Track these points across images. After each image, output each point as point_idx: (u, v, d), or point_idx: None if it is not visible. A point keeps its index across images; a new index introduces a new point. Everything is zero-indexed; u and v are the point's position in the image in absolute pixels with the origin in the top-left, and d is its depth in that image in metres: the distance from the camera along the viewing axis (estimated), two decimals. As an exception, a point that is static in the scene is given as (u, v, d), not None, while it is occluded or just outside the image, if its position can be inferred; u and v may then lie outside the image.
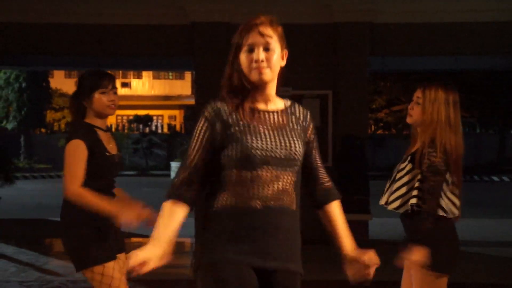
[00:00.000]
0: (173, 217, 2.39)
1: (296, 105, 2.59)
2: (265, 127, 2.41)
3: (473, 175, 24.17)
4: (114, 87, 3.60)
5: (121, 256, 3.66)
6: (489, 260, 8.03)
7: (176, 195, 2.41)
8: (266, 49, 2.40)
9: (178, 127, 36.53)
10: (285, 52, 2.50)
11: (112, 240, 3.58)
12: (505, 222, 11.49)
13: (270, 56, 2.39)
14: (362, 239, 9.25)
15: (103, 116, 3.60)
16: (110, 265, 3.51)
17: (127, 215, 3.34)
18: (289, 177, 2.41)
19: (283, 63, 2.49)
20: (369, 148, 7.28)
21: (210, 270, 2.38)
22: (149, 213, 3.33)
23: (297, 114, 2.54)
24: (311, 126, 2.60)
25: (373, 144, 27.47)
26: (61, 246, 9.25)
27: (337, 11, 8.75)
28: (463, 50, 9.17)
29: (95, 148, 3.48)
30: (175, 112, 40.76)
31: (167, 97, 39.58)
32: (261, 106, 2.47)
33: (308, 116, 2.60)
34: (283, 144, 2.40)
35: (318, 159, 2.64)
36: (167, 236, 2.37)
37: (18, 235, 9.72)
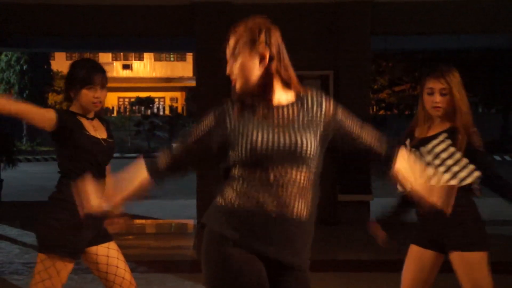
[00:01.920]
0: (136, 180, 2.42)
1: (310, 93, 2.39)
2: (270, 123, 2.28)
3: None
4: (104, 82, 3.52)
5: (110, 244, 3.59)
6: (491, 238, 8.04)
7: (156, 177, 2.42)
8: (232, 58, 2.40)
9: (179, 109, 36.47)
10: (265, 51, 2.32)
11: (84, 236, 3.45)
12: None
13: (234, 66, 2.37)
14: (363, 219, 9.26)
15: (86, 111, 3.53)
16: (66, 260, 3.38)
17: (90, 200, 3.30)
18: (301, 176, 2.27)
19: (260, 68, 2.32)
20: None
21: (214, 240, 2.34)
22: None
23: (309, 103, 2.35)
24: (330, 108, 2.38)
25: (375, 124, 27.22)
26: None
27: (338, -10, 8.70)
28: (466, 28, 9.13)
29: (70, 132, 3.41)
30: (177, 94, 40.70)
31: (168, 79, 39.50)
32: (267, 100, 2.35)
33: (324, 101, 2.38)
34: (287, 141, 2.25)
35: (356, 131, 2.42)
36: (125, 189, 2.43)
37: (21, 217, 9.75)
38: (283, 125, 2.29)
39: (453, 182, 3.37)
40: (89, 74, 3.46)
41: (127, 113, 32.61)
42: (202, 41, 8.96)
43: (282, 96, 2.35)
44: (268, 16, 8.96)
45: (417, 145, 3.46)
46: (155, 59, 39.98)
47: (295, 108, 2.33)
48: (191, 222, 9.28)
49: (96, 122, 3.59)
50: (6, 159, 10.95)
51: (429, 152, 3.42)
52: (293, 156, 2.25)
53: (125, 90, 36.67)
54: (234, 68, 2.34)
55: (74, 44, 11.48)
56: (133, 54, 38.22)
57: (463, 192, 3.30)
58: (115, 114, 34.76)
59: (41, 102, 30.32)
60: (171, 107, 36.49)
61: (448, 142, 3.40)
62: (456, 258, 3.37)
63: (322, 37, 8.92)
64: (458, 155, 3.39)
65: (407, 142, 3.52)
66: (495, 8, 8.86)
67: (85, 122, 3.50)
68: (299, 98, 2.36)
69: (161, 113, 35.19)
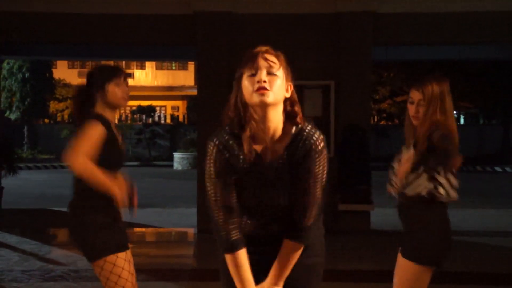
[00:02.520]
0: (241, 268, 2.45)
1: (305, 134, 2.41)
2: (256, 178, 2.41)
3: (476, 166, 24.11)
4: (126, 80, 3.66)
5: (127, 255, 3.61)
6: (492, 250, 8.03)
7: (232, 249, 2.44)
8: (270, 73, 2.34)
9: (181, 118, 36.51)
10: (290, 85, 2.42)
11: (123, 230, 3.60)
12: (509, 212, 11.46)
13: (273, 80, 2.33)
14: (364, 229, 9.23)
15: (115, 107, 3.64)
16: (122, 255, 3.49)
17: (122, 195, 3.43)
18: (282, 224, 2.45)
19: (288, 94, 2.40)
20: (372, 139, 7.27)
21: None
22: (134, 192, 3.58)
23: (299, 147, 2.40)
24: (311, 153, 2.39)
25: (376, 134, 27.42)
26: (63, 235, 9.30)
27: (340, 0, 8.71)
28: (467, 39, 9.14)
29: (109, 140, 3.49)
30: (178, 103, 40.76)
31: (170, 88, 39.57)
32: (262, 143, 2.40)
33: (311, 146, 2.40)
34: (269, 199, 2.42)
35: (309, 183, 2.42)
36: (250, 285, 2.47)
37: (21, 225, 9.74)
38: (268, 180, 2.40)
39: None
40: (113, 72, 3.59)
41: (128, 122, 32.61)
42: (203, 50, 8.99)
43: (283, 135, 2.42)
44: (270, 26, 9.12)
45: None
46: (157, 68, 40.08)
47: (287, 151, 2.40)
48: (191, 231, 9.25)
49: (116, 128, 3.70)
50: (7, 166, 10.94)
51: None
52: (271, 211, 2.43)
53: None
54: (273, 80, 2.34)
55: (76, 52, 11.51)
56: (135, 62, 38.26)
57: (418, 204, 3.44)
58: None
59: (43, 110, 30.38)
60: (172, 116, 36.51)
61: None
62: (401, 262, 3.53)
63: (324, 47, 8.94)
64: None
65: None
66: (496, 19, 8.88)
67: (114, 128, 3.60)
68: (293, 140, 2.40)
69: (162, 121, 35.21)
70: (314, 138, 2.40)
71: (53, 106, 34.11)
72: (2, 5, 8.99)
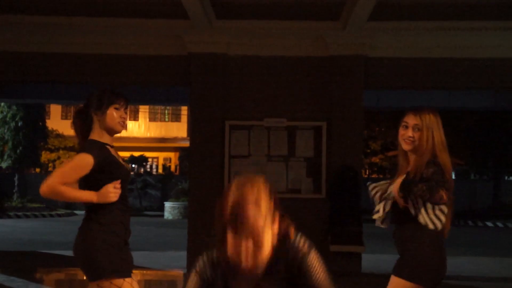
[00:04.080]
0: None
1: (295, 242, 2.24)
2: None
3: (468, 221, 24.12)
4: (126, 107, 3.63)
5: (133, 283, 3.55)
6: None
7: None
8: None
9: (173, 168, 36.47)
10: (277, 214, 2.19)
11: (131, 256, 3.56)
12: (504, 260, 11.43)
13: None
14: (355, 272, 9.10)
15: (112, 132, 3.60)
16: (129, 280, 3.40)
17: (102, 192, 3.41)
18: None
19: (275, 229, 2.18)
20: (363, 192, 7.32)
21: None
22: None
23: (290, 255, 2.23)
24: (302, 265, 2.23)
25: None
26: (51, 275, 9.13)
27: (332, 44, 8.89)
28: (457, 85, 9.28)
29: (108, 166, 3.48)
30: (171, 154, 40.75)
31: (163, 139, 39.64)
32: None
33: (298, 257, 2.23)
34: None
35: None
36: None
37: (8, 266, 9.60)
38: None
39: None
40: (114, 95, 3.56)
41: (120, 172, 32.50)
42: (196, 88, 9.08)
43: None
44: (262, 68, 9.26)
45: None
46: (150, 120, 40.26)
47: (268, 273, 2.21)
48: (180, 273, 9.14)
49: (116, 151, 3.68)
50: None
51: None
52: None
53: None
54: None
55: (70, 95, 11.57)
56: (128, 114, 38.42)
57: (411, 224, 3.48)
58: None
59: (35, 159, 30.30)
60: (164, 166, 36.47)
61: None
62: (393, 281, 3.53)
63: (317, 89, 9.05)
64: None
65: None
66: (487, 66, 9.05)
67: (113, 152, 3.58)
68: (273, 260, 2.20)
69: (154, 171, 35.12)
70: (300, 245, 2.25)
71: (45, 156, 34.04)
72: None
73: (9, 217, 23.17)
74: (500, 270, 10.10)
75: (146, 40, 9.13)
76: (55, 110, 38.93)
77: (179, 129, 39.57)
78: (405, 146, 3.58)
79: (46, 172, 32.55)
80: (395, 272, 3.53)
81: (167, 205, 25.42)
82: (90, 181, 3.47)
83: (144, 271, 9.44)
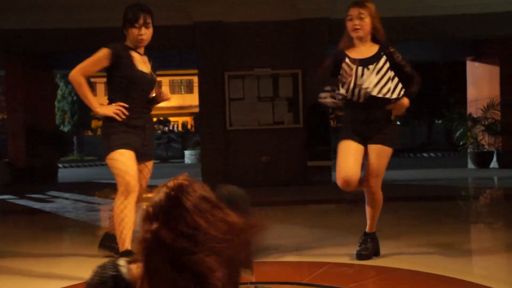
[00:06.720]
0: None
1: None
2: None
3: (409, 154, 24.26)
4: (147, 22, 3.17)
5: (149, 163, 3.32)
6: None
7: None
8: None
9: (189, 127, 36.41)
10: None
11: (135, 139, 3.16)
12: (427, 171, 11.45)
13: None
14: (326, 181, 8.99)
15: (136, 47, 3.22)
16: (120, 150, 3.09)
17: (105, 109, 3.13)
18: None
19: None
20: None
21: None
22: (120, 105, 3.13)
23: None
24: None
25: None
26: (100, 187, 9.22)
27: (303, 9, 8.71)
28: (399, 39, 9.05)
29: (122, 60, 3.11)
30: (187, 119, 40.51)
31: (180, 107, 39.35)
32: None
33: None
34: None
35: None
36: None
37: (73, 189, 9.62)
38: None
39: (393, 95, 3.27)
40: (134, 16, 3.17)
41: (150, 131, 32.41)
42: (202, 50, 8.89)
43: None
44: (251, 31, 8.89)
45: (363, 64, 3.20)
46: (170, 92, 39.83)
47: None
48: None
49: (144, 58, 3.29)
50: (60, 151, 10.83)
51: (376, 70, 3.20)
52: None
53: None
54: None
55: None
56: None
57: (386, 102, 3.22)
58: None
59: (87, 125, 30.24)
60: (183, 125, 36.36)
61: (387, 64, 3.26)
62: (374, 148, 3.25)
63: (293, 45, 8.87)
64: (392, 74, 3.27)
65: (348, 60, 3.19)
66: (424, 21, 8.82)
67: (135, 56, 3.20)
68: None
69: (176, 130, 34.96)
70: None
71: (94, 123, 33.78)
72: (48, 23, 8.86)
73: (72, 167, 23.11)
74: (426, 176, 10.13)
75: (159, 15, 8.82)
76: (99, 88, 38.49)
77: (192, 99, 39.13)
78: (354, 34, 3.21)
79: (96, 134, 32.41)
80: (381, 143, 3.25)
81: (187, 152, 25.34)
82: (108, 78, 3.20)
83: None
